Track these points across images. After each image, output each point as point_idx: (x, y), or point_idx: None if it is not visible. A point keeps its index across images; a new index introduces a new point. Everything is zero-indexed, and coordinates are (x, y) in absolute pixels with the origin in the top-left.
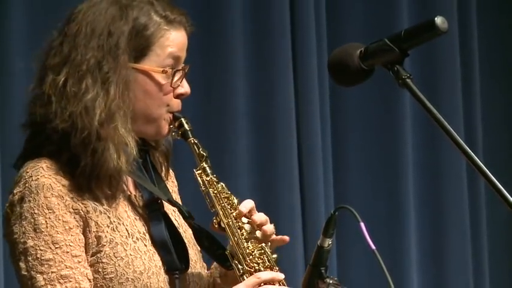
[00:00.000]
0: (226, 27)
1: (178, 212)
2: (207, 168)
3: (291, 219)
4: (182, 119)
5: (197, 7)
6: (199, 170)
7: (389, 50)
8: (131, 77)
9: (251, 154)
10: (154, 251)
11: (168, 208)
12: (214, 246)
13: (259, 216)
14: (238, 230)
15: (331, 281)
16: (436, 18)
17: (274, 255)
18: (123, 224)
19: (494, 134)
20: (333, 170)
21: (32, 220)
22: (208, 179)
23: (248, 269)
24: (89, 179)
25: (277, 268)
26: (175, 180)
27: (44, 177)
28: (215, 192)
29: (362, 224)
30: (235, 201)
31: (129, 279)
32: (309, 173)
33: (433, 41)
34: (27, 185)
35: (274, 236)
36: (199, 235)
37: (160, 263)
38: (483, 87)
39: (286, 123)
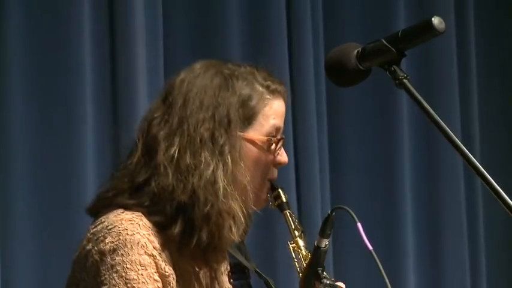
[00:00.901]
0: (223, 28)
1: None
2: (300, 242)
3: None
4: (280, 190)
5: (194, 7)
6: (294, 243)
7: (387, 51)
8: (241, 145)
9: None
10: None
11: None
12: None
13: None
14: None
15: (328, 281)
16: (433, 19)
17: None
18: None
19: (492, 135)
20: (329, 171)
21: (124, 274)
22: (304, 254)
23: None
24: (205, 251)
25: None
26: None
27: (140, 234)
28: (305, 263)
29: (359, 225)
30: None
31: None
32: (305, 173)
33: (430, 42)
34: (121, 237)
35: None
36: None
37: None
38: (480, 88)
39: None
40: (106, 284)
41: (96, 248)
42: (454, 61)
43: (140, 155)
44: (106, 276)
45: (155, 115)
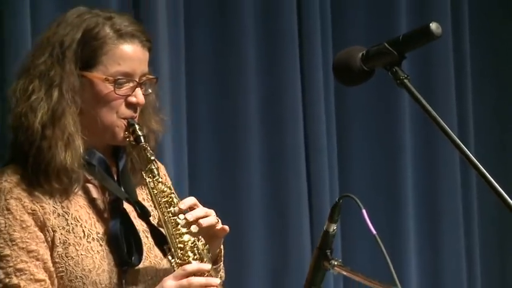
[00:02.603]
0: (239, 33)
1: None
2: (154, 170)
3: (299, 207)
4: (136, 126)
5: (211, 14)
6: (147, 171)
7: (389, 53)
8: (79, 83)
9: (262, 147)
10: (110, 250)
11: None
12: (160, 241)
13: (196, 212)
14: (174, 225)
15: (336, 262)
16: (430, 24)
17: (206, 246)
18: (81, 225)
19: (485, 130)
20: (337, 162)
21: None
22: (153, 180)
23: (180, 261)
24: (37, 175)
25: (205, 259)
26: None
27: (7, 181)
28: (155, 192)
29: (364, 211)
30: (176, 200)
31: (78, 276)
32: (316, 165)
33: (428, 45)
34: None
35: (218, 227)
36: (151, 231)
37: (109, 263)
38: (475, 87)
39: (294, 120)
40: None
41: None
42: (451, 63)
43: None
44: None
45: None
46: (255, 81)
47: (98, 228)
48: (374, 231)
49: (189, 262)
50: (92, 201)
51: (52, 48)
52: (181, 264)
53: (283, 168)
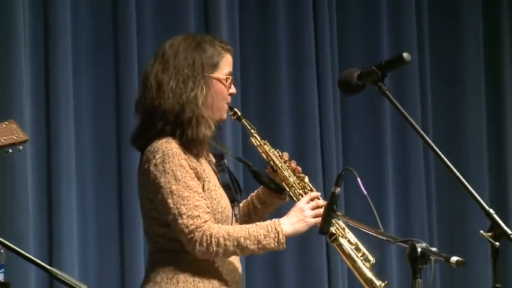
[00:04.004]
0: (276, 58)
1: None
2: (258, 136)
3: (315, 175)
4: (235, 109)
5: (256, 45)
6: (253, 138)
7: (375, 73)
8: (210, 81)
9: (290, 135)
10: (224, 194)
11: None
12: (271, 181)
13: (293, 162)
14: (288, 169)
15: (340, 213)
16: (403, 54)
17: (311, 183)
18: (209, 178)
19: (440, 123)
20: (341, 145)
21: (173, 174)
22: (263, 142)
23: (300, 192)
24: (190, 144)
25: (314, 190)
26: None
27: (175, 147)
28: (268, 148)
29: (358, 179)
30: (280, 153)
31: (219, 211)
32: (327, 147)
33: (401, 68)
34: (165, 152)
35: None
36: (260, 175)
37: (228, 202)
38: (433, 95)
39: (312, 116)
40: (163, 183)
41: (151, 165)
42: (416, 79)
43: (151, 96)
44: (162, 179)
45: (157, 68)
46: (286, 91)
47: (215, 179)
48: (365, 192)
49: (306, 192)
50: (208, 162)
51: (189, 61)
52: (301, 194)
53: (304, 150)
